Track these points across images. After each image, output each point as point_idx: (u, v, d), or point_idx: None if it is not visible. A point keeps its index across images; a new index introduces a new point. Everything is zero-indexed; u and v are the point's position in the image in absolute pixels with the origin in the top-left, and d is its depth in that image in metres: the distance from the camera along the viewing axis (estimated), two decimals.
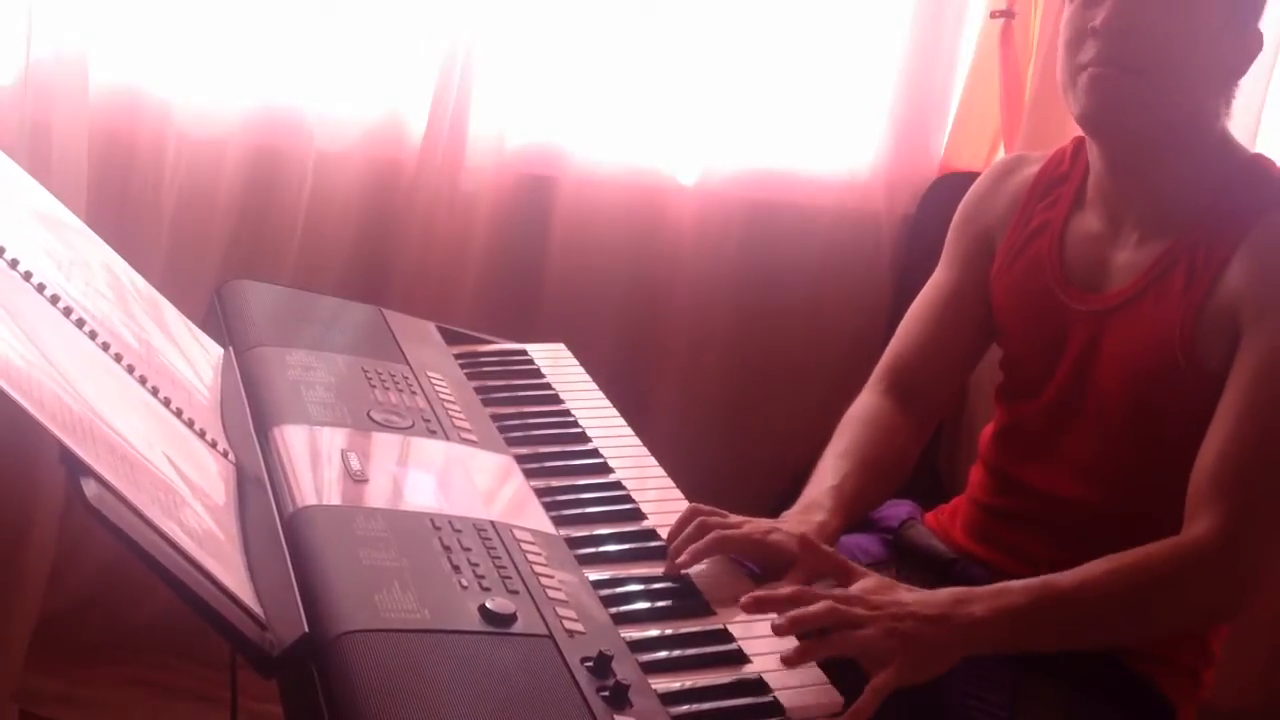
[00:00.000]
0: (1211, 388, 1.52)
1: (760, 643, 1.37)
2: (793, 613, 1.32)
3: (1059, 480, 1.66)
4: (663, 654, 1.31)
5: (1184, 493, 1.55)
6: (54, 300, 1.33)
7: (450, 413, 1.63)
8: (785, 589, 1.37)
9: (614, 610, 1.35)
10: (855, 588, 1.39)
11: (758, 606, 1.35)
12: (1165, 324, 1.55)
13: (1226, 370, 1.51)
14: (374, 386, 1.63)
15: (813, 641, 1.32)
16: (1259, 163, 1.62)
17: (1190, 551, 1.45)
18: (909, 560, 1.75)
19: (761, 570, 1.51)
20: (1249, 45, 1.58)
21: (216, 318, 1.75)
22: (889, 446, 1.75)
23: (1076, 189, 1.69)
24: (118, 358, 1.36)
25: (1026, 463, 1.69)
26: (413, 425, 1.57)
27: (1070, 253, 1.67)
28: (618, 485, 1.61)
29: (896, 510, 1.82)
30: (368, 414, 1.56)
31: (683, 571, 1.46)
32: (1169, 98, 1.55)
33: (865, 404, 1.79)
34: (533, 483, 1.56)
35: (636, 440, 1.74)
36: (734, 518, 1.54)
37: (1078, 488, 1.64)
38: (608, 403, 1.83)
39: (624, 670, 1.22)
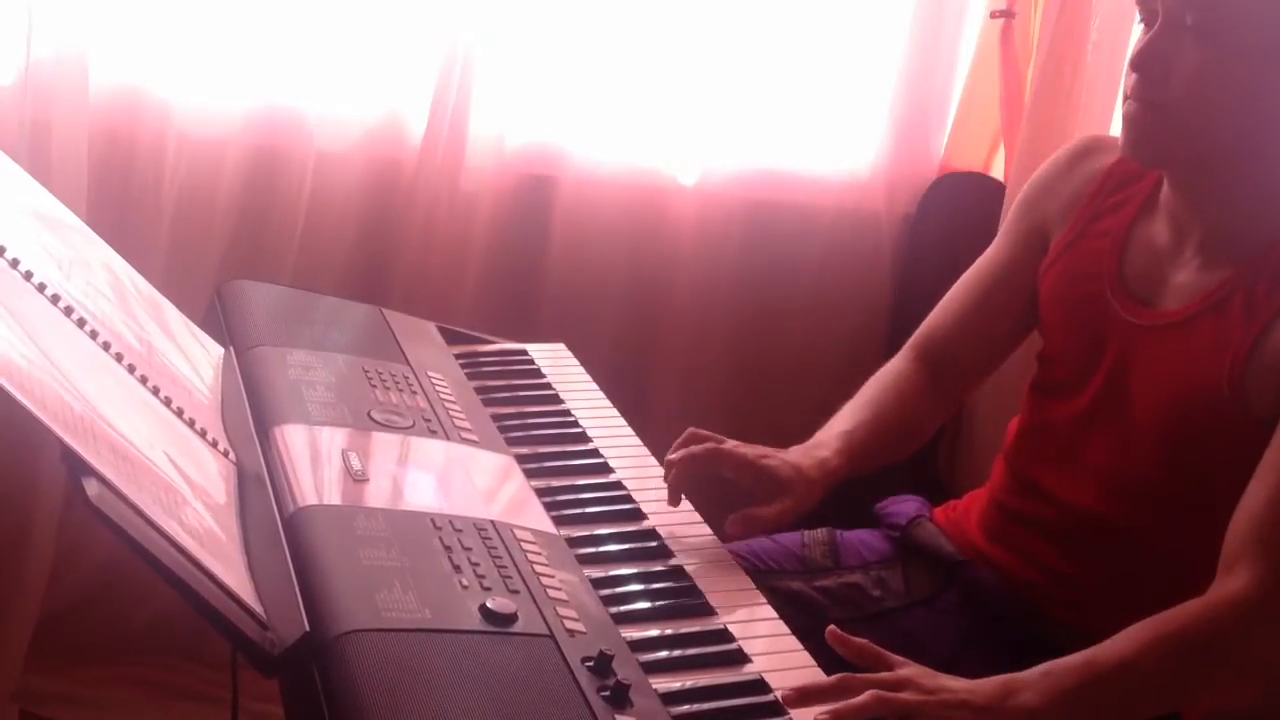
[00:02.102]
0: (1254, 430, 1.47)
1: (760, 642, 1.37)
2: (837, 706, 1.26)
3: (1078, 490, 1.63)
4: (663, 654, 1.31)
5: (1205, 521, 1.52)
6: (54, 300, 1.33)
7: (451, 412, 1.63)
8: (830, 679, 1.30)
9: (614, 610, 1.35)
10: (902, 671, 1.33)
11: (802, 700, 1.28)
12: (1215, 356, 1.50)
13: (1272, 413, 1.45)
14: (374, 386, 1.63)
15: None
16: None
17: (1232, 609, 1.39)
18: (915, 560, 1.75)
19: (751, 495, 1.55)
20: None
21: (217, 317, 1.75)
22: (909, 409, 1.75)
23: (1149, 192, 1.63)
24: (118, 357, 1.36)
25: (1048, 466, 1.67)
26: (413, 425, 1.57)
27: (1130, 261, 1.62)
28: (618, 485, 1.62)
29: (904, 507, 1.81)
30: (368, 414, 1.56)
31: (677, 562, 1.47)
32: (1199, 132, 1.49)
33: (892, 367, 1.80)
34: (533, 482, 1.56)
35: (637, 440, 1.74)
36: (730, 442, 1.58)
37: (1096, 501, 1.61)
38: (608, 403, 1.83)
39: (625, 670, 1.22)
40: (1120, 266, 1.62)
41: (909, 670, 1.34)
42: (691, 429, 1.61)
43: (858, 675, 1.31)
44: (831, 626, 1.38)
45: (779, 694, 1.28)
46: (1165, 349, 1.55)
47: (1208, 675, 1.40)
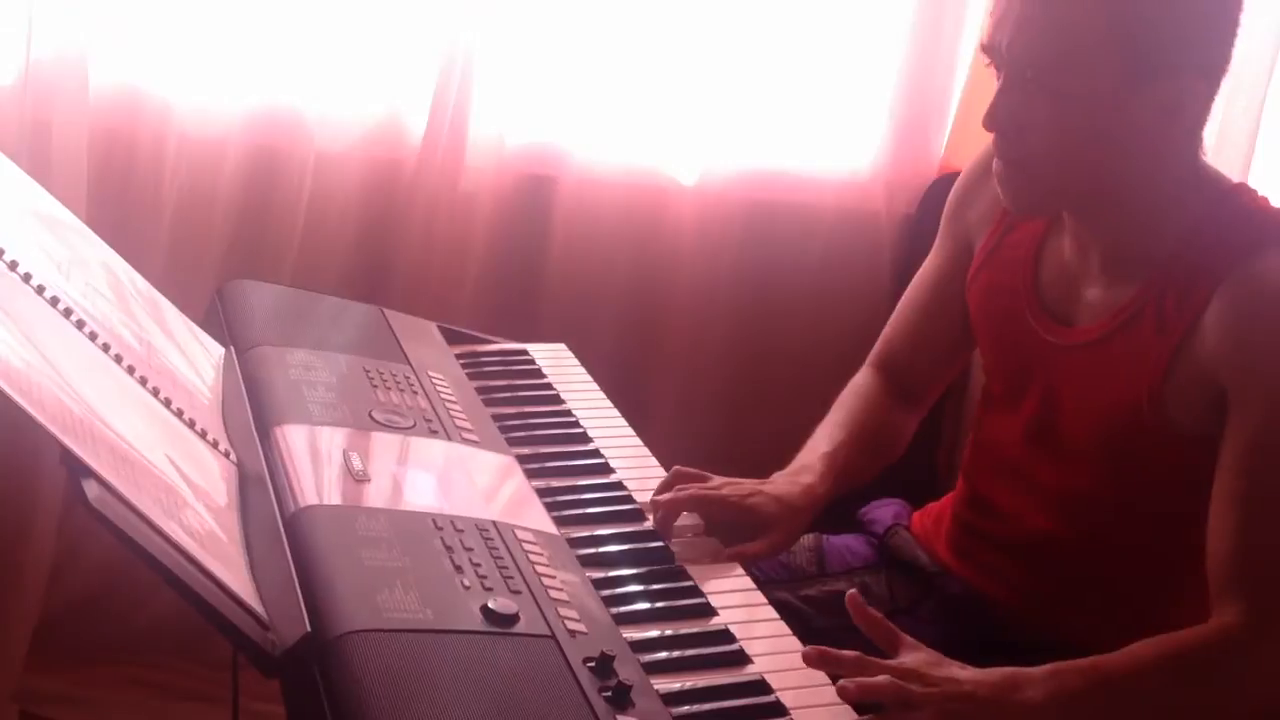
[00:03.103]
0: (1185, 446, 1.47)
1: (761, 643, 1.37)
2: (862, 680, 1.28)
3: (1027, 506, 1.63)
4: (665, 654, 1.31)
5: (1157, 528, 1.54)
6: (54, 301, 1.33)
7: (451, 413, 1.63)
8: (849, 653, 1.32)
9: (616, 610, 1.35)
10: (909, 660, 1.34)
11: (820, 660, 1.31)
12: (1132, 374, 1.49)
13: (1202, 429, 1.44)
14: (375, 386, 1.63)
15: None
16: (1237, 197, 1.51)
17: (1223, 642, 1.38)
18: (896, 567, 1.75)
19: (738, 531, 1.55)
20: (1184, 91, 1.43)
21: (217, 317, 1.75)
22: (884, 422, 1.76)
23: None
24: (118, 358, 1.36)
25: (998, 483, 1.67)
26: (414, 425, 1.57)
27: (1044, 276, 1.61)
28: (619, 485, 1.62)
29: (884, 512, 1.81)
30: (369, 414, 1.56)
31: (675, 554, 1.49)
32: (1067, 182, 1.48)
33: (862, 381, 1.81)
34: (534, 483, 1.56)
35: (637, 440, 1.74)
36: (716, 479, 1.58)
37: (1045, 517, 1.61)
38: (608, 403, 1.83)
39: (626, 671, 1.22)
40: (1036, 282, 1.61)
41: (916, 658, 1.34)
42: (677, 468, 1.61)
43: (875, 660, 1.32)
44: (852, 591, 1.40)
45: (779, 695, 1.28)
46: (1086, 368, 1.55)
47: (1202, 702, 1.40)
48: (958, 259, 1.74)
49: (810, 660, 1.31)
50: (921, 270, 1.80)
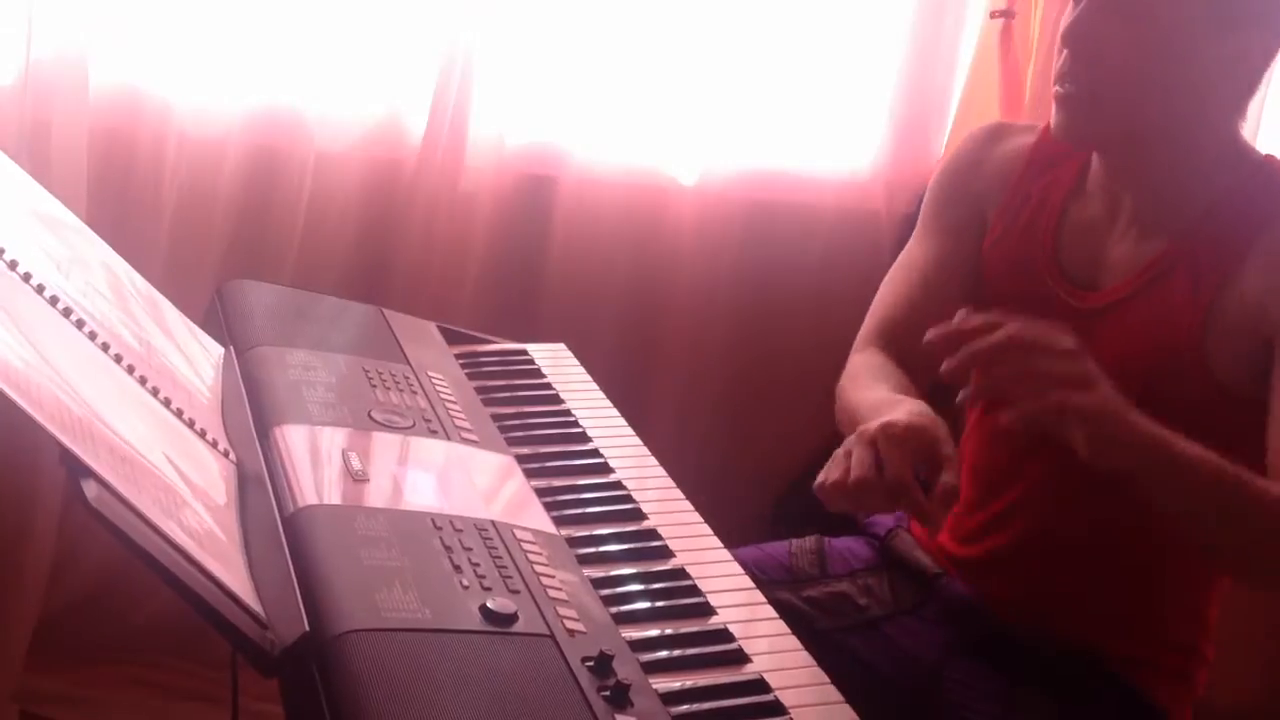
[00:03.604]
0: (1220, 398, 1.46)
1: (760, 642, 1.37)
2: (974, 346, 1.23)
3: (1038, 496, 1.61)
4: (663, 654, 1.30)
5: (1158, 520, 1.52)
6: (53, 301, 1.33)
7: (451, 412, 1.63)
8: (975, 319, 1.27)
9: (615, 610, 1.35)
10: (1029, 330, 1.28)
11: (945, 342, 1.26)
12: (1166, 331, 1.49)
13: (1241, 381, 1.44)
14: (375, 386, 1.63)
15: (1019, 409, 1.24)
16: (1269, 166, 1.55)
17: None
18: (897, 569, 1.74)
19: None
20: (1254, 48, 1.47)
21: (217, 317, 1.75)
22: (905, 384, 1.71)
23: (1079, 170, 1.61)
24: (117, 358, 1.36)
25: (1000, 476, 1.65)
26: (413, 425, 1.57)
27: (1066, 242, 1.60)
28: (618, 485, 1.61)
29: (882, 515, 1.80)
30: (368, 414, 1.56)
31: (677, 562, 1.46)
32: (1133, 112, 1.48)
33: (864, 358, 1.71)
34: (533, 482, 1.56)
35: (637, 440, 1.74)
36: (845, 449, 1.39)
37: (1050, 508, 1.60)
38: (608, 403, 1.83)
39: (625, 670, 1.22)
40: (1057, 253, 1.60)
41: (1041, 333, 1.28)
42: (817, 486, 1.41)
43: (1001, 321, 1.28)
44: (931, 332, 1.32)
45: (778, 694, 1.28)
46: (1109, 332, 1.52)
47: (1238, 527, 1.35)
48: (965, 236, 1.70)
49: (934, 342, 1.25)
50: (913, 254, 1.74)
